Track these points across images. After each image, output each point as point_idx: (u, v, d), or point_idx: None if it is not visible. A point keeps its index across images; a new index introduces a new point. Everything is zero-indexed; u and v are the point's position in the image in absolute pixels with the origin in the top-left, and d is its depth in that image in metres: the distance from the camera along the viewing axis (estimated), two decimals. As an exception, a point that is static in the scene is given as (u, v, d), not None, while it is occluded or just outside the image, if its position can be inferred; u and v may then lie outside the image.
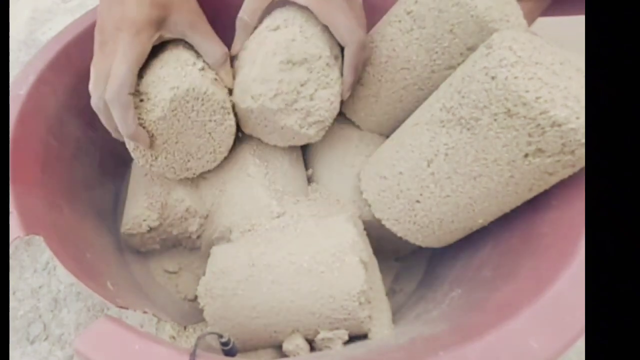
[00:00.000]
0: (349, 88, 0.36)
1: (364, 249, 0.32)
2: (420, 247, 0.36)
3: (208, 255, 0.36)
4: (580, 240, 0.25)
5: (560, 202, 0.29)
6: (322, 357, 0.29)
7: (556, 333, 0.22)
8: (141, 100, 0.34)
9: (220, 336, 0.29)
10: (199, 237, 0.42)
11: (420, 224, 0.33)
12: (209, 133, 0.36)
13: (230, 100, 0.37)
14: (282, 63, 0.33)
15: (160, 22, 0.33)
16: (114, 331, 0.22)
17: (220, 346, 0.30)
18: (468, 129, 0.28)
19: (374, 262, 0.36)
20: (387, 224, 0.35)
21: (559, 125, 0.25)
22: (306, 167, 0.44)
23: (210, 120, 0.36)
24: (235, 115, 0.37)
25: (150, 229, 0.40)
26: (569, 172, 0.27)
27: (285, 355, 0.33)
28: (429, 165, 0.31)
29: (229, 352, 0.30)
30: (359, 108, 0.41)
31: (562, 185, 0.29)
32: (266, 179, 0.39)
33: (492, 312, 0.25)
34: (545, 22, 0.49)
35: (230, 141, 0.38)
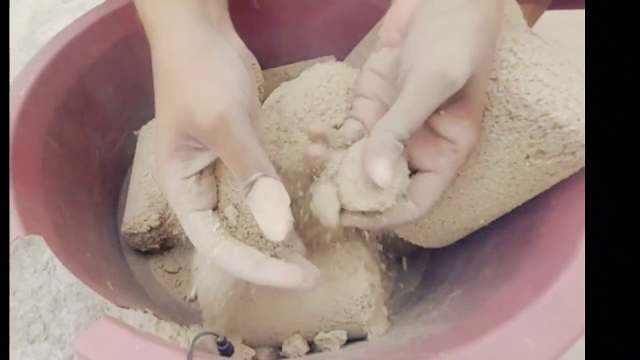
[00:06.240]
0: None
1: (367, 254, 0.32)
2: (420, 248, 0.36)
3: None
4: (581, 241, 0.25)
5: (560, 203, 0.29)
6: (324, 359, 0.29)
7: (556, 333, 0.22)
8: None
9: (217, 336, 0.29)
10: (199, 237, 0.42)
11: (422, 225, 0.33)
12: None
13: None
14: None
15: None
16: (115, 332, 0.22)
17: (216, 346, 0.30)
18: (469, 131, 0.28)
19: (374, 266, 0.36)
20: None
21: (560, 127, 0.25)
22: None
23: None
24: None
25: (151, 229, 0.40)
26: (569, 172, 0.27)
27: (284, 356, 0.33)
28: (430, 167, 0.31)
29: (225, 352, 0.30)
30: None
31: (563, 186, 0.29)
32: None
33: (492, 312, 0.25)
34: (545, 22, 0.49)
35: None
